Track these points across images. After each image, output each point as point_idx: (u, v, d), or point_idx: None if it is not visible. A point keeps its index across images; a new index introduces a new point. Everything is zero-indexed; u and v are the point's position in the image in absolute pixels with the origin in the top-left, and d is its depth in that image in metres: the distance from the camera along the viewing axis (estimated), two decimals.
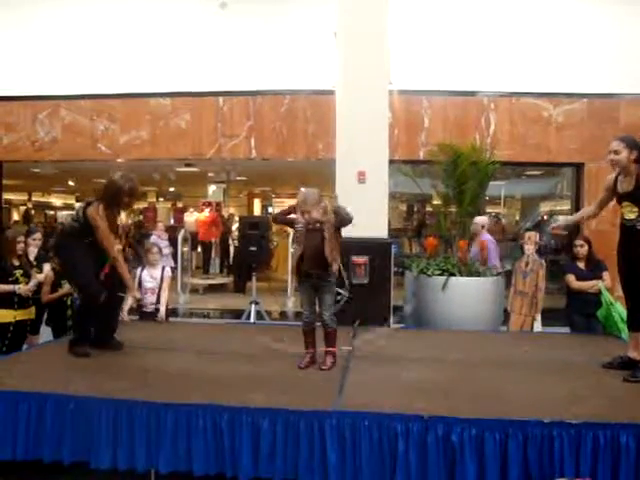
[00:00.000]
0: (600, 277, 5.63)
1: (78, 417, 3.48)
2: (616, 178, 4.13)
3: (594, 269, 5.75)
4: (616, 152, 3.99)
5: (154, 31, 9.75)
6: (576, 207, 9.61)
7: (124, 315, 5.83)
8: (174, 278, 9.19)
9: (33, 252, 5.80)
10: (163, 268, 6.11)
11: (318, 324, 4.42)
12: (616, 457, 3.14)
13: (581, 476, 3.14)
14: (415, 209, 14.38)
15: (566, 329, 5.99)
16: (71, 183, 16.70)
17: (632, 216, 4.03)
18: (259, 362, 4.44)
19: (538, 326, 6.48)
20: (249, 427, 3.33)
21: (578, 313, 5.78)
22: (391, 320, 6.64)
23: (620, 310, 5.21)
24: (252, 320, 7.78)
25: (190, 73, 9.61)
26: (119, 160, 10.15)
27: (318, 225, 4.25)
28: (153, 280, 5.98)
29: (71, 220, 4.78)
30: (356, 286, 6.35)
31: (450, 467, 3.21)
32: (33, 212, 20.15)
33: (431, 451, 3.20)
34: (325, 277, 4.29)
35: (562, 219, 4.10)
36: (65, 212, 20.86)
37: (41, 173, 13.09)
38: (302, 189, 4.43)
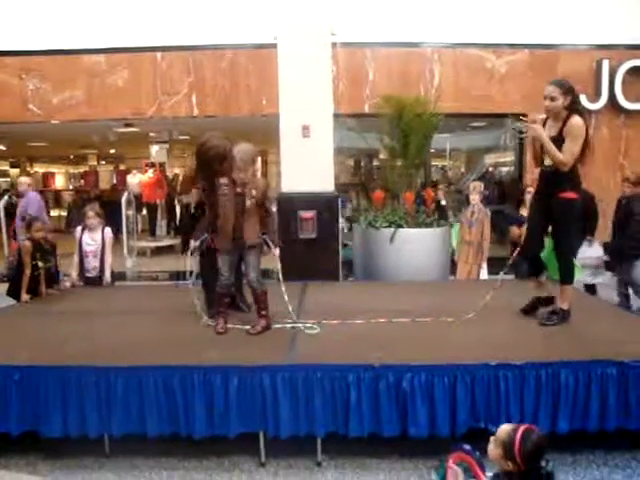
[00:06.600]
0: None
1: (24, 387, 3.39)
2: (545, 121, 4.02)
3: None
4: (552, 99, 3.87)
5: None
6: (519, 158, 9.82)
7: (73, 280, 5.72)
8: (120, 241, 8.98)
9: None
10: (103, 230, 5.85)
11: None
12: (556, 394, 3.30)
13: (524, 415, 3.28)
14: (362, 164, 14.38)
15: (511, 277, 6.17)
16: (2, 147, 15.88)
17: (550, 162, 3.95)
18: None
19: (484, 274, 6.68)
20: (201, 385, 3.33)
21: (522, 261, 5.93)
22: (340, 273, 6.69)
23: None
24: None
25: (125, 27, 9.12)
26: (53, 122, 9.67)
27: (241, 190, 3.97)
28: (94, 242, 5.78)
29: None
30: (304, 241, 6.36)
31: (402, 413, 3.30)
32: None
33: (382, 398, 3.28)
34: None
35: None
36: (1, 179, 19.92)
37: None
38: (238, 145, 4.06)
